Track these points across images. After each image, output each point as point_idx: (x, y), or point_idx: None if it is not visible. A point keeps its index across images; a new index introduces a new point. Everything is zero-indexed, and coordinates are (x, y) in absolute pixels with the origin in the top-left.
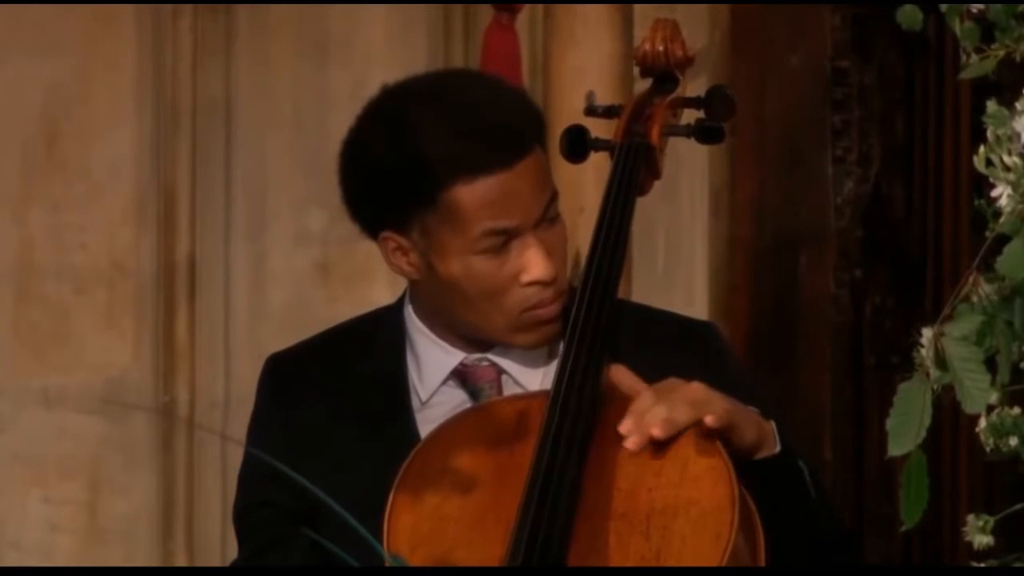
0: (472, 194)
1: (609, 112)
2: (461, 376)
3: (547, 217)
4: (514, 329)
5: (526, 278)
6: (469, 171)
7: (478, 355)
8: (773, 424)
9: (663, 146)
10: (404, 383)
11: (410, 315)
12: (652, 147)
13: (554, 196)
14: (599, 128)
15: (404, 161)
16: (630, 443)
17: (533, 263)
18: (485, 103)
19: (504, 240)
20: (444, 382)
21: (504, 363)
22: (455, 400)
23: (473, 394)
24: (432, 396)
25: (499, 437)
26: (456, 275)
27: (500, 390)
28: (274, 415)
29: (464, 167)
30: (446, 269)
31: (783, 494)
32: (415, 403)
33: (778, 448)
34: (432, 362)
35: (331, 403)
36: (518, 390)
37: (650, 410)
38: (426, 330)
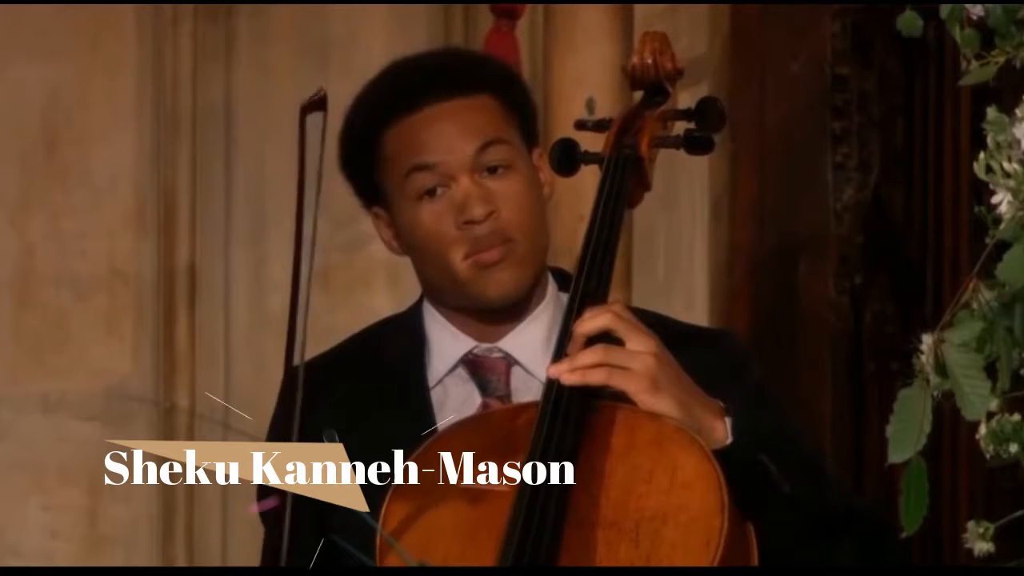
0: (396, 136)
1: (600, 126)
2: (471, 366)
3: (485, 159)
4: (469, 279)
5: (459, 220)
6: (391, 116)
7: (488, 344)
8: (727, 421)
9: (653, 158)
10: (420, 368)
11: (426, 305)
12: (641, 159)
13: (497, 140)
14: (591, 142)
15: (349, 134)
16: (552, 370)
17: (464, 205)
18: (417, 59)
19: (436, 179)
20: (453, 369)
21: (516, 353)
22: (463, 393)
23: (482, 386)
24: (439, 382)
25: (493, 448)
26: (408, 229)
27: (509, 383)
28: (292, 423)
29: (387, 114)
30: (401, 226)
31: (743, 488)
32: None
33: (728, 442)
34: (442, 347)
35: (352, 403)
36: (530, 381)
37: (595, 330)
38: (439, 316)
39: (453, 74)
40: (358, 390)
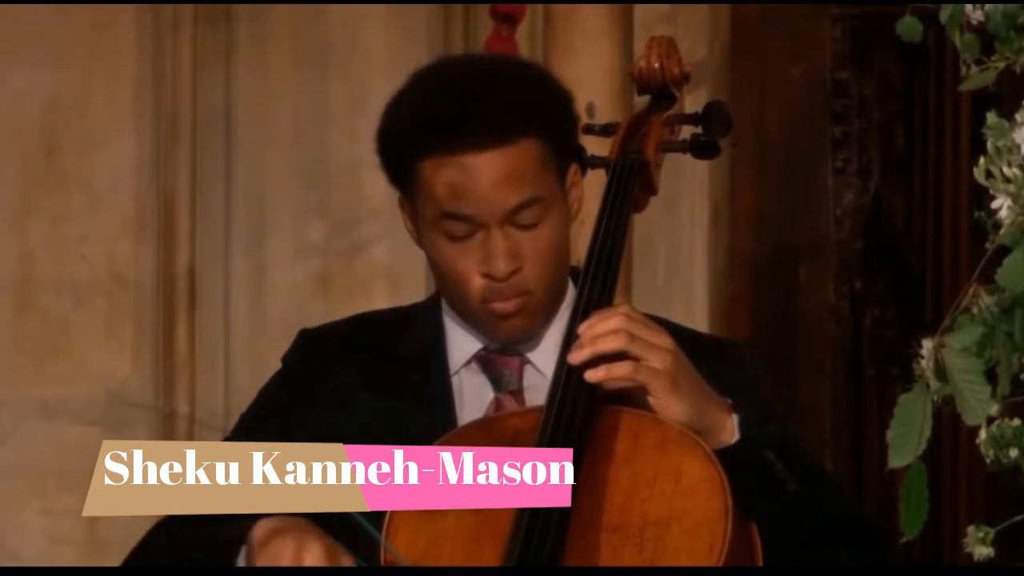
0: (436, 173)
1: (606, 130)
2: (484, 362)
3: (518, 218)
4: (480, 318)
5: (482, 269)
6: (435, 149)
7: (503, 343)
8: (735, 418)
9: (659, 162)
10: (441, 354)
11: (443, 301)
12: (647, 163)
13: (533, 201)
14: (597, 145)
15: (388, 132)
16: (571, 357)
17: (488, 256)
18: (469, 84)
19: (467, 228)
20: (467, 363)
21: (530, 353)
22: (476, 386)
23: (495, 381)
24: (455, 373)
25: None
26: (429, 253)
27: (522, 379)
28: (307, 374)
29: (432, 144)
30: (423, 241)
31: (748, 485)
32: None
33: (733, 440)
34: (458, 342)
35: (365, 371)
36: (541, 379)
37: (608, 331)
38: (454, 314)
39: (500, 118)
40: (378, 367)
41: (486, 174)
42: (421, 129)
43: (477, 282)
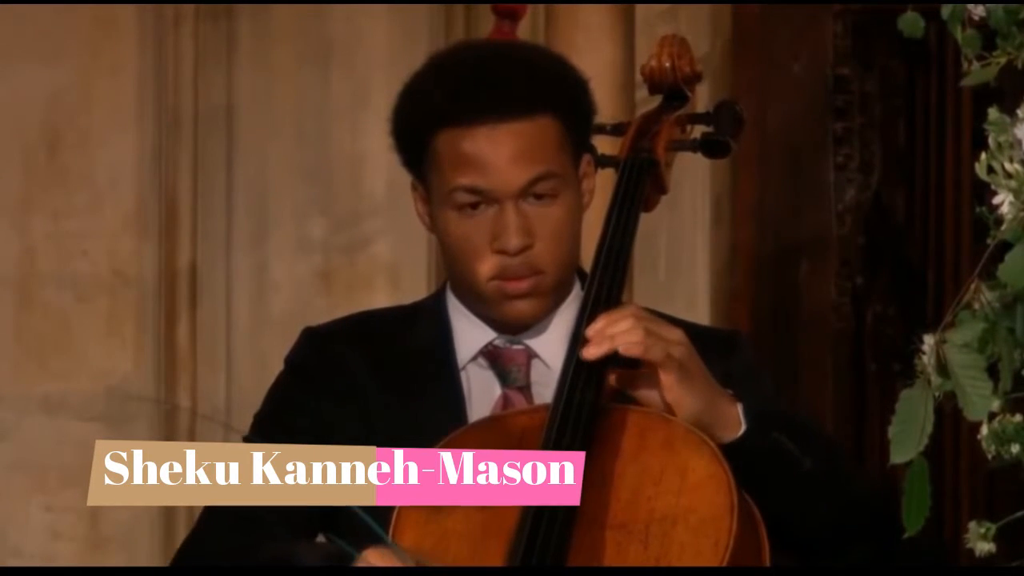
0: (452, 146)
1: (617, 129)
2: (492, 356)
3: (533, 192)
4: (489, 299)
5: (494, 245)
6: (452, 122)
7: (510, 336)
8: (740, 408)
9: (669, 161)
10: (449, 349)
11: (449, 294)
12: (657, 162)
13: (549, 175)
14: (607, 145)
15: (404, 108)
16: (586, 352)
17: (501, 231)
18: (488, 60)
19: (481, 202)
20: (474, 358)
21: (537, 347)
22: (484, 381)
23: (502, 376)
24: (462, 369)
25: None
26: (440, 228)
27: (529, 374)
28: (318, 371)
29: (449, 116)
30: (436, 219)
31: (764, 472)
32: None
33: (742, 431)
34: (464, 335)
35: (374, 367)
36: (548, 374)
37: (625, 329)
38: (461, 307)
39: (517, 92)
40: (387, 362)
41: (503, 147)
42: (439, 102)
43: (489, 259)
